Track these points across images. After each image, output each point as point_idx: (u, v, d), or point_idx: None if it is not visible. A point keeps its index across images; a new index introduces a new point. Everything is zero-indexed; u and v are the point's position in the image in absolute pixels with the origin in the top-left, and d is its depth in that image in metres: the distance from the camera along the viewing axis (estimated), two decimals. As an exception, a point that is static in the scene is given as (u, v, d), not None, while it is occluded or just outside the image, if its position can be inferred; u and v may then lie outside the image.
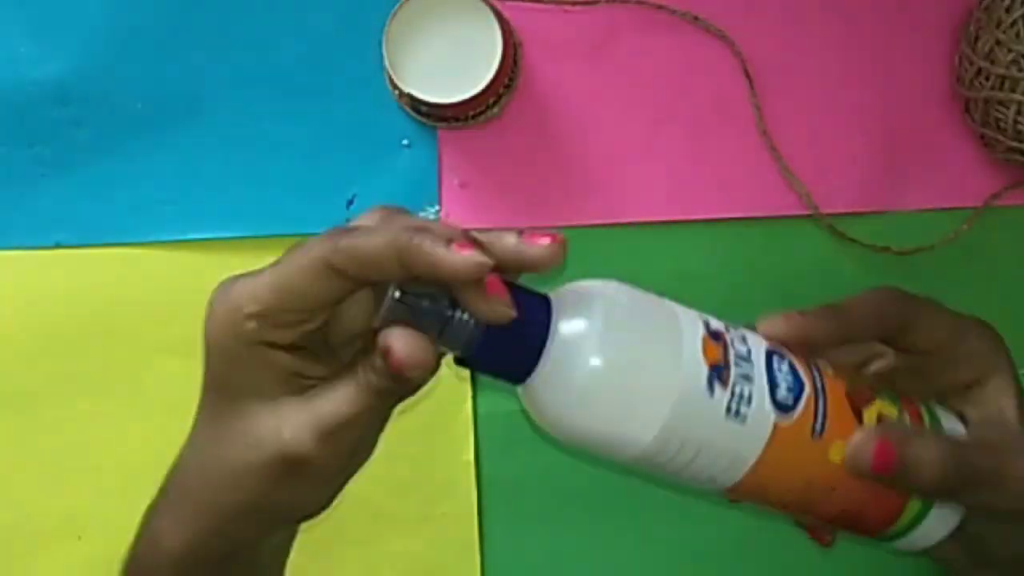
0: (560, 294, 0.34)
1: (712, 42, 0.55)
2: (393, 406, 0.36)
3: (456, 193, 0.54)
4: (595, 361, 0.32)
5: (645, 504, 0.53)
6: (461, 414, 0.53)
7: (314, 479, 0.35)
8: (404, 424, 0.53)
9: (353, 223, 0.35)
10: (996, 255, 0.54)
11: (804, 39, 0.55)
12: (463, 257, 0.32)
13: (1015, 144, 0.50)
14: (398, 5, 0.49)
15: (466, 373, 0.52)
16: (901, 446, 0.35)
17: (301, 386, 0.35)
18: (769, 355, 0.35)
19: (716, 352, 0.34)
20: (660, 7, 0.54)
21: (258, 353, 0.34)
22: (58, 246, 0.54)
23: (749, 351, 0.35)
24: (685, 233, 0.54)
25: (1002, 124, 0.50)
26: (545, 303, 0.33)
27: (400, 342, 0.32)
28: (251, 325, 0.34)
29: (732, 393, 0.33)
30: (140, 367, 0.53)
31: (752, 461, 0.34)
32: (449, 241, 0.32)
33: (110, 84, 0.54)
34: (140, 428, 0.53)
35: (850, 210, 0.54)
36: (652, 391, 0.33)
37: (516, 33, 0.53)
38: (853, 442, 0.35)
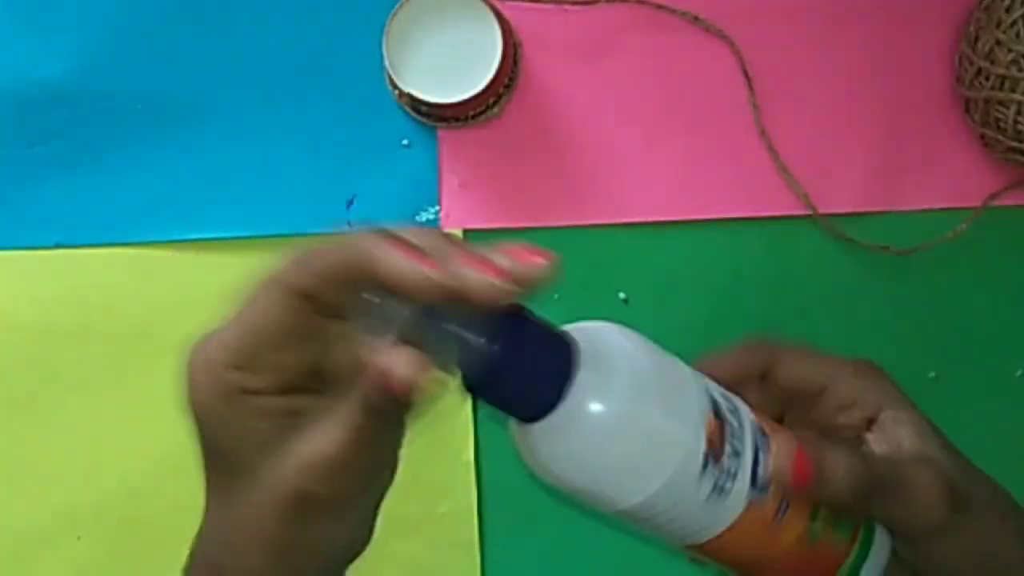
0: (579, 338, 0.33)
1: (712, 42, 0.55)
2: (390, 430, 0.33)
3: (456, 193, 0.54)
4: (610, 423, 0.32)
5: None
6: (461, 414, 0.53)
7: (333, 515, 0.33)
8: (404, 424, 0.53)
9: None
10: (996, 255, 0.54)
11: (804, 39, 0.55)
12: (424, 273, 0.29)
13: (1015, 144, 0.50)
14: (398, 5, 0.49)
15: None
16: (817, 455, 0.35)
17: (280, 430, 0.32)
18: (755, 430, 0.35)
19: (715, 431, 0.33)
20: (660, 7, 0.54)
21: (247, 404, 0.32)
22: (58, 246, 0.54)
23: (741, 425, 0.35)
24: (685, 233, 0.54)
25: (1002, 124, 0.50)
26: (567, 344, 0.32)
27: (403, 361, 0.29)
28: (232, 376, 0.32)
29: (721, 471, 0.33)
30: (140, 367, 0.53)
31: (719, 530, 0.34)
32: (408, 250, 0.29)
33: (110, 84, 0.54)
34: (140, 428, 0.53)
35: (850, 210, 0.54)
36: (651, 464, 0.32)
37: (516, 33, 0.53)
38: (774, 458, 0.35)
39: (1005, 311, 0.54)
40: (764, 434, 0.35)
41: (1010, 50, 0.49)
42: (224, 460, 0.33)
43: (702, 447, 0.33)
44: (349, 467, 0.32)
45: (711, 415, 0.33)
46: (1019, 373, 0.54)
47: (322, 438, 0.31)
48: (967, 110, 0.53)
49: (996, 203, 0.54)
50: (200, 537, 0.34)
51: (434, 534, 0.53)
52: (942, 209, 0.54)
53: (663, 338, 0.54)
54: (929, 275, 0.54)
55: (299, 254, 0.31)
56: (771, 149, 0.54)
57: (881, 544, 0.38)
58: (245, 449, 0.32)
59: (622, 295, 0.54)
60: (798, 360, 0.40)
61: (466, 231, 0.54)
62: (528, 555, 0.53)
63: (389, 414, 0.31)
